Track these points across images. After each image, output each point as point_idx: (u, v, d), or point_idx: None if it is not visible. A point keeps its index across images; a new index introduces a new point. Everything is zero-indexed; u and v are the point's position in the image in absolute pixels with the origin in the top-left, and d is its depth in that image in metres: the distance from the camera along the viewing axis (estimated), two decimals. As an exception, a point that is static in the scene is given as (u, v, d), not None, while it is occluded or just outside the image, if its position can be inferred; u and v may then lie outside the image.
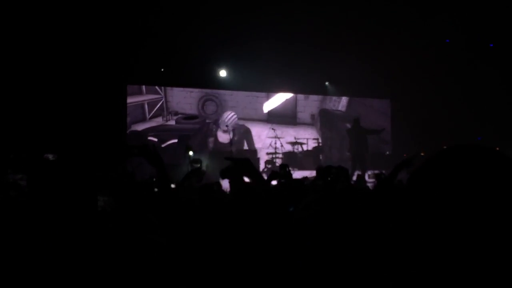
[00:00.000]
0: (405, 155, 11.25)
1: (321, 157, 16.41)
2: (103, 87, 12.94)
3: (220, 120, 15.99)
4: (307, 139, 16.80)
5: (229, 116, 16.12)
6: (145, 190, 5.46)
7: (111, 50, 12.71)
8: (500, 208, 0.94)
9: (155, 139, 14.75)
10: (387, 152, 17.32)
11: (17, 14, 11.25)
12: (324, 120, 17.51)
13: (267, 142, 16.44)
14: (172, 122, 15.47)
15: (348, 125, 16.47)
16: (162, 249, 2.23)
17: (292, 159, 15.75)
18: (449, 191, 0.97)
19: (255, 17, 12.36)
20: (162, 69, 14.12)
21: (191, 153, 14.73)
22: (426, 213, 0.92)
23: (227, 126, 15.26)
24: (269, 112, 16.77)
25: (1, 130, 11.08)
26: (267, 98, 16.76)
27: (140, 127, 14.92)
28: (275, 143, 15.96)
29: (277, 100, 16.84)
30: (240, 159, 4.33)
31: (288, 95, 16.89)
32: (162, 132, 15.27)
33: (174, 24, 12.66)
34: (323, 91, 17.33)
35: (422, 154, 9.07)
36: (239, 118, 16.26)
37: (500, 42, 14.51)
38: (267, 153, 16.11)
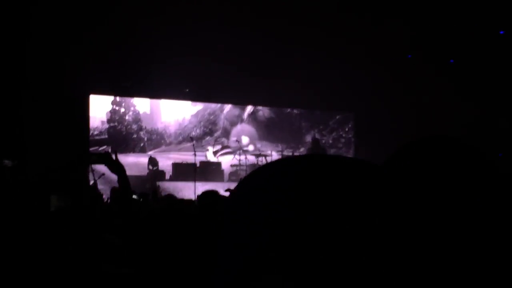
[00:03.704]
0: None
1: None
2: (66, 96, 12.76)
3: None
4: (271, 150, 16.85)
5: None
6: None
7: (74, 60, 12.57)
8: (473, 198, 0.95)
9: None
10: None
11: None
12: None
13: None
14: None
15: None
16: (116, 248, 2.21)
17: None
18: (421, 181, 0.97)
19: (214, 28, 12.40)
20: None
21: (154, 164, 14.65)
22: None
23: (191, 137, 15.20)
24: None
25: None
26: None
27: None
28: (239, 155, 15.95)
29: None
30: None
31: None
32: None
33: (137, 36, 12.59)
34: (286, 104, 17.45)
35: None
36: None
37: (460, 57, 14.90)
38: (231, 165, 16.09)
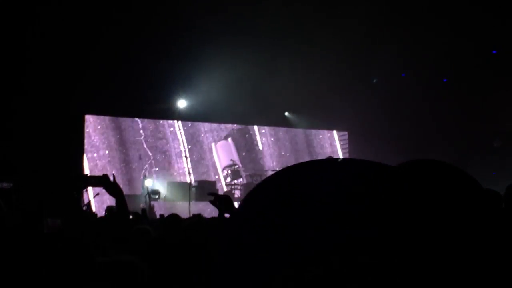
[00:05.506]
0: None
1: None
2: (61, 117, 12.76)
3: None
4: (266, 170, 16.80)
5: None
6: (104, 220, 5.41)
7: (69, 81, 12.59)
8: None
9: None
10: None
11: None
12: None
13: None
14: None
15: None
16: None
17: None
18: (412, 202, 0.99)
19: (213, 46, 12.48)
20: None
21: (149, 183, 14.59)
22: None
23: (186, 157, 15.19)
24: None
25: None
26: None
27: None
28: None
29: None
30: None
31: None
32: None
33: (130, 55, 12.64)
34: (283, 123, 17.47)
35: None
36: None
37: (453, 77, 15.03)
38: (226, 184, 16.05)
